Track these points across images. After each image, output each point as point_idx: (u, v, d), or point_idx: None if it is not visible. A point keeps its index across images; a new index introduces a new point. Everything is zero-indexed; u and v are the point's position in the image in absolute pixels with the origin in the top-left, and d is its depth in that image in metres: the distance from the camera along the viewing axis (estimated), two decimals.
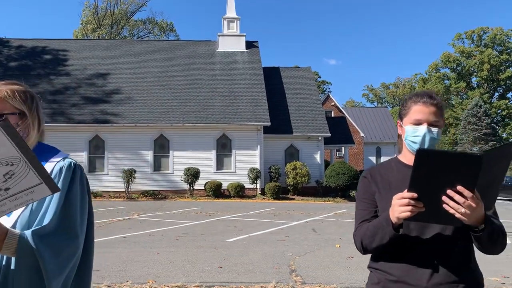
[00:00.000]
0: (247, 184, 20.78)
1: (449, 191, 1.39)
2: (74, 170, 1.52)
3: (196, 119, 21.32)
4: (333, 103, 41.28)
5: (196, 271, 6.28)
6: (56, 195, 1.42)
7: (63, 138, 20.51)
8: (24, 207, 1.38)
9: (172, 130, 21.17)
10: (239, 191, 20.26)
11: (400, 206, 1.45)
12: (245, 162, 21.35)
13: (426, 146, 1.65)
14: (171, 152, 21.19)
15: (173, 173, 21.11)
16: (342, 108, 43.68)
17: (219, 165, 21.50)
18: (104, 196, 20.15)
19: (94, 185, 20.47)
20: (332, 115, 38.19)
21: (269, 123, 21.42)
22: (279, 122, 22.65)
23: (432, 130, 1.66)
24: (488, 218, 1.49)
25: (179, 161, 21.09)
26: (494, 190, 1.52)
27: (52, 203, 1.42)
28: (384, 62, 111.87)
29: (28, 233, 1.33)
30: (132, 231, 10.35)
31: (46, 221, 1.39)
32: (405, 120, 1.72)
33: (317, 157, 22.98)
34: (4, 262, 1.37)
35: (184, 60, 25.31)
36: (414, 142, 1.68)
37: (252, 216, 13.96)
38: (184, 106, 21.95)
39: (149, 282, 5.64)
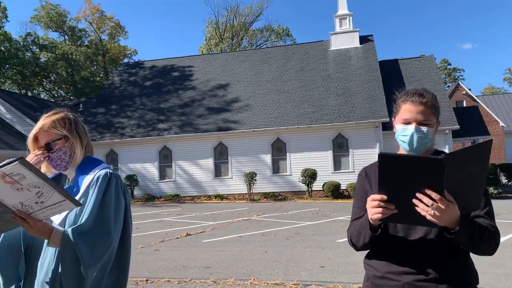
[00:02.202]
0: None
1: (418, 194, 1.39)
2: (109, 178, 1.83)
3: (311, 120, 21.48)
4: (464, 92, 37.72)
5: (298, 270, 6.45)
6: (94, 200, 1.74)
7: (192, 146, 22.51)
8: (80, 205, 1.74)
9: (287, 133, 21.67)
10: None
11: (371, 208, 1.48)
12: (364, 161, 20.76)
13: (415, 146, 1.65)
14: (288, 154, 21.69)
15: (291, 174, 21.58)
16: (477, 96, 39.62)
17: (337, 165, 21.31)
18: (230, 199, 21.51)
19: (221, 188, 22.02)
20: (464, 105, 34.95)
21: (387, 119, 20.53)
22: None
23: (422, 129, 1.64)
24: (467, 220, 1.43)
25: (296, 162, 21.48)
26: (475, 190, 1.46)
27: (89, 206, 1.75)
28: None
29: (69, 230, 1.68)
30: (248, 231, 10.94)
31: (83, 221, 1.72)
32: (396, 119, 1.73)
33: (446, 151, 21.24)
34: (55, 254, 1.74)
35: (297, 63, 25.72)
36: (404, 142, 1.67)
37: None
38: (298, 109, 22.30)
39: (250, 279, 5.99)
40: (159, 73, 27.79)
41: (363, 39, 25.91)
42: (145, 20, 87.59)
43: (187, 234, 10.64)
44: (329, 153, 21.32)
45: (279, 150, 22.04)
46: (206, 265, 7.07)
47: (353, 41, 25.67)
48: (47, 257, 1.75)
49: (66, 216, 1.77)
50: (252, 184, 21.03)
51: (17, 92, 40.46)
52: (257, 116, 22.60)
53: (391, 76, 24.27)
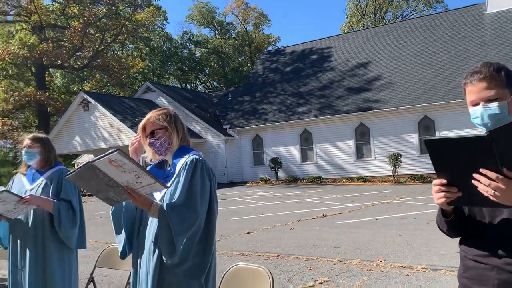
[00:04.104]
0: None
1: (474, 174, 1.34)
2: (195, 163, 2.15)
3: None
4: None
5: (430, 254, 6.13)
6: (183, 181, 2.09)
7: (331, 128, 22.53)
8: (167, 188, 2.10)
9: (436, 109, 20.03)
10: None
11: (434, 193, 1.47)
12: None
13: (490, 126, 1.55)
14: (437, 133, 20.09)
15: None
16: None
17: None
18: (373, 181, 20.98)
19: (363, 170, 21.62)
20: None
21: None
22: None
23: (490, 106, 1.54)
24: None
25: None
26: None
27: (180, 186, 2.10)
28: None
29: (164, 204, 2.06)
30: (386, 214, 10.65)
31: (175, 197, 2.08)
32: (468, 103, 1.65)
33: None
34: (155, 223, 2.13)
35: (446, 32, 23.47)
36: (478, 124, 1.60)
37: None
38: (448, 83, 20.40)
39: (377, 260, 5.93)
40: (298, 58, 28.30)
41: None
42: (287, 5, 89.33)
43: (323, 215, 10.87)
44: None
45: (426, 128, 20.57)
46: (336, 245, 7.20)
47: None
48: (152, 225, 2.16)
49: (164, 194, 2.15)
50: (396, 166, 20.14)
51: (179, 86, 45.64)
52: (401, 94, 21.41)
53: None
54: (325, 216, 10.81)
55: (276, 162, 23.23)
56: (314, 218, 10.52)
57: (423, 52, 23.03)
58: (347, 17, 50.46)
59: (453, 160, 1.36)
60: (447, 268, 5.30)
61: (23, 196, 2.79)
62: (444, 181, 1.41)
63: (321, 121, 22.66)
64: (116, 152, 1.81)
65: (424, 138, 1.40)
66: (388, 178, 20.74)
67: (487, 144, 1.27)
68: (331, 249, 6.92)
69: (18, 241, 2.96)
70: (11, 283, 2.97)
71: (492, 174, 1.31)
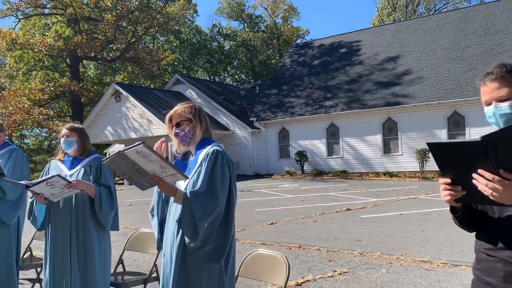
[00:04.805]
0: None
1: (474, 175, 1.44)
2: (216, 154, 2.34)
3: None
4: None
5: (452, 250, 6.15)
6: (204, 171, 2.28)
7: (358, 123, 22.37)
8: (188, 179, 2.30)
9: (466, 105, 19.59)
10: None
11: (441, 190, 1.58)
12: None
13: (502, 125, 1.62)
14: (467, 129, 19.67)
15: None
16: None
17: None
18: (400, 176, 20.77)
19: (390, 165, 21.41)
20: None
21: None
22: None
23: (501, 105, 1.61)
24: None
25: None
26: None
27: (202, 175, 2.29)
28: None
29: (188, 191, 2.25)
30: (411, 210, 10.62)
31: (198, 186, 2.27)
32: (482, 103, 1.73)
33: None
34: (179, 210, 2.32)
35: (480, 26, 22.82)
36: (492, 123, 1.68)
37: None
38: None
39: (397, 254, 6.00)
40: (326, 51, 28.13)
41: None
42: None
43: (347, 209, 10.93)
44: None
45: (456, 124, 20.17)
46: (358, 238, 7.29)
47: None
48: (175, 211, 2.36)
49: (188, 182, 2.34)
50: (424, 162, 19.84)
51: (207, 79, 46.12)
52: (431, 88, 21.03)
53: None
54: (349, 209, 10.87)
55: (302, 155, 23.30)
56: (337, 212, 10.60)
57: (454, 46, 22.50)
58: (377, 10, 49.58)
59: (454, 161, 1.47)
60: (468, 264, 5.33)
61: (71, 180, 3.02)
62: (448, 180, 1.51)
63: (349, 115, 22.54)
64: (141, 145, 2.03)
65: (426, 141, 1.50)
66: (415, 174, 20.48)
67: (482, 148, 1.37)
68: (352, 241, 7.02)
69: (59, 222, 3.18)
70: (49, 263, 3.17)
71: (489, 175, 1.39)
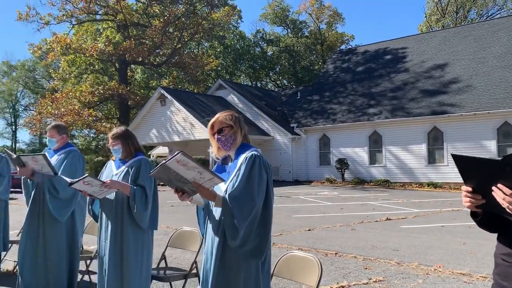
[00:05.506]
0: None
1: (493, 187, 1.56)
2: (254, 158, 2.48)
3: None
4: None
5: (493, 264, 5.97)
6: (242, 174, 2.43)
7: (402, 131, 21.93)
8: (226, 182, 2.47)
9: None
10: None
11: (463, 197, 1.70)
12: None
13: None
14: None
15: None
16: None
17: None
18: (445, 187, 20.14)
19: (434, 176, 20.82)
20: None
21: None
22: None
23: None
24: None
25: None
26: None
27: (240, 178, 2.44)
28: None
29: (226, 195, 2.41)
30: (454, 222, 10.34)
31: (235, 188, 2.43)
32: None
33: None
34: (220, 213, 2.49)
35: None
36: None
37: None
38: None
39: (435, 265, 5.90)
40: (371, 58, 27.77)
41: None
42: (363, 3, 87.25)
43: (387, 219, 10.78)
44: None
45: (506, 135, 19.35)
46: (396, 248, 7.21)
47: None
48: (215, 212, 2.53)
49: (227, 185, 2.50)
50: None
51: (249, 84, 46.63)
52: (479, 98, 20.31)
53: None
54: (389, 219, 10.72)
55: (342, 163, 23.08)
56: (377, 221, 10.48)
57: (507, 54, 21.62)
58: (425, 16, 48.32)
59: (476, 173, 1.60)
60: None
61: (105, 181, 3.32)
62: (469, 188, 1.63)
63: (393, 123, 22.14)
64: (180, 154, 2.21)
65: (451, 153, 1.64)
66: (460, 186, 19.68)
67: (501, 167, 1.50)
68: (389, 251, 6.96)
69: (104, 217, 3.50)
70: (98, 252, 3.53)
71: (507, 191, 1.51)
